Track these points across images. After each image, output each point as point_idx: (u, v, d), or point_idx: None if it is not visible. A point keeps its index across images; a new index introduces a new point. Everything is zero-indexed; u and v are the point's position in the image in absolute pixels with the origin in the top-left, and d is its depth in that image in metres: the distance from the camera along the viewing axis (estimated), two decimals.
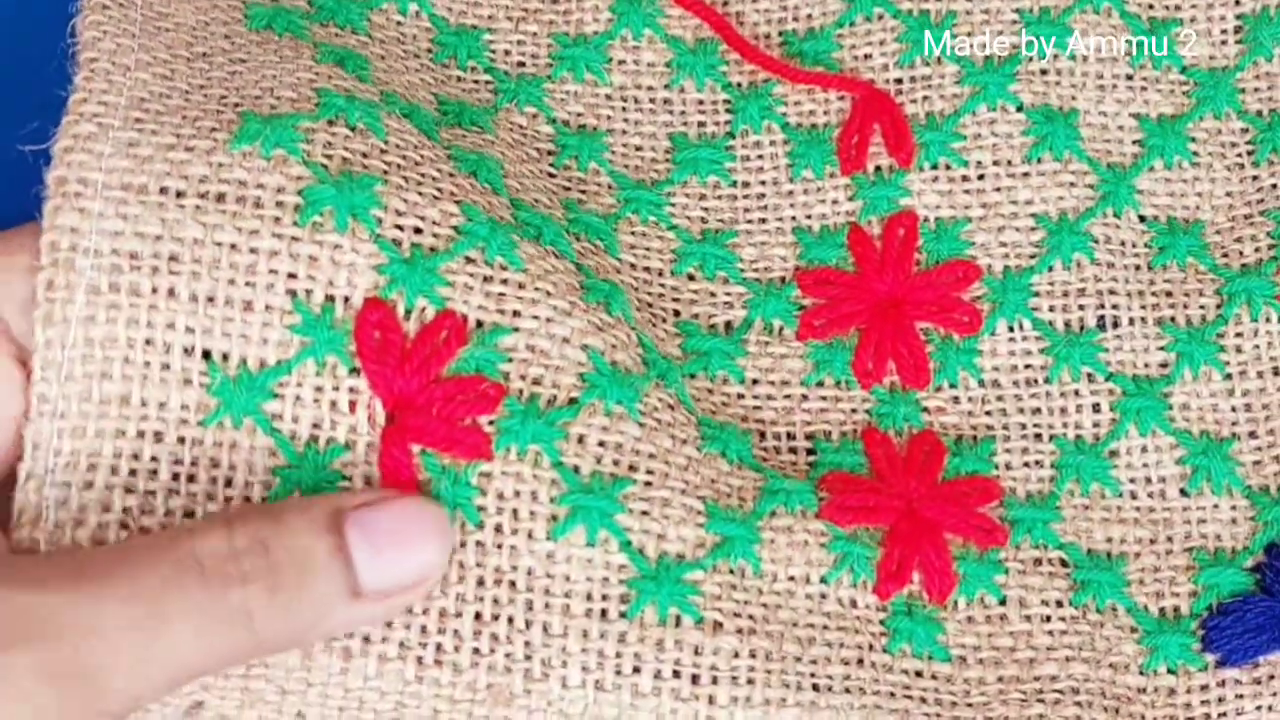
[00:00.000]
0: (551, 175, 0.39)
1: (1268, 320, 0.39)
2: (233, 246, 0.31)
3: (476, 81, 0.40)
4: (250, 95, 0.34)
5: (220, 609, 0.29)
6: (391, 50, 0.39)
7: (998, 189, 0.40)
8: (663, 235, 0.39)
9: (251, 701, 0.31)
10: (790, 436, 0.37)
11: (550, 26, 0.41)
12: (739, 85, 0.41)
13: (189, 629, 0.28)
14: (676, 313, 0.38)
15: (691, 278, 0.39)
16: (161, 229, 0.31)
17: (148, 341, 0.31)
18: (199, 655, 0.29)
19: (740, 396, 0.37)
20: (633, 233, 0.39)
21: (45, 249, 0.31)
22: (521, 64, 0.41)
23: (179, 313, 0.31)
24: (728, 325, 0.38)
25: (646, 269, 0.39)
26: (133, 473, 0.31)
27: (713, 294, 0.39)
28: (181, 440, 0.31)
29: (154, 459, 0.31)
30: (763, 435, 0.37)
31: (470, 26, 0.41)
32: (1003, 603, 0.35)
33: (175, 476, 0.31)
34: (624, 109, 0.41)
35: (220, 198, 0.32)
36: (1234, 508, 0.37)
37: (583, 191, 0.39)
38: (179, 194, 0.31)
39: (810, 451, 0.37)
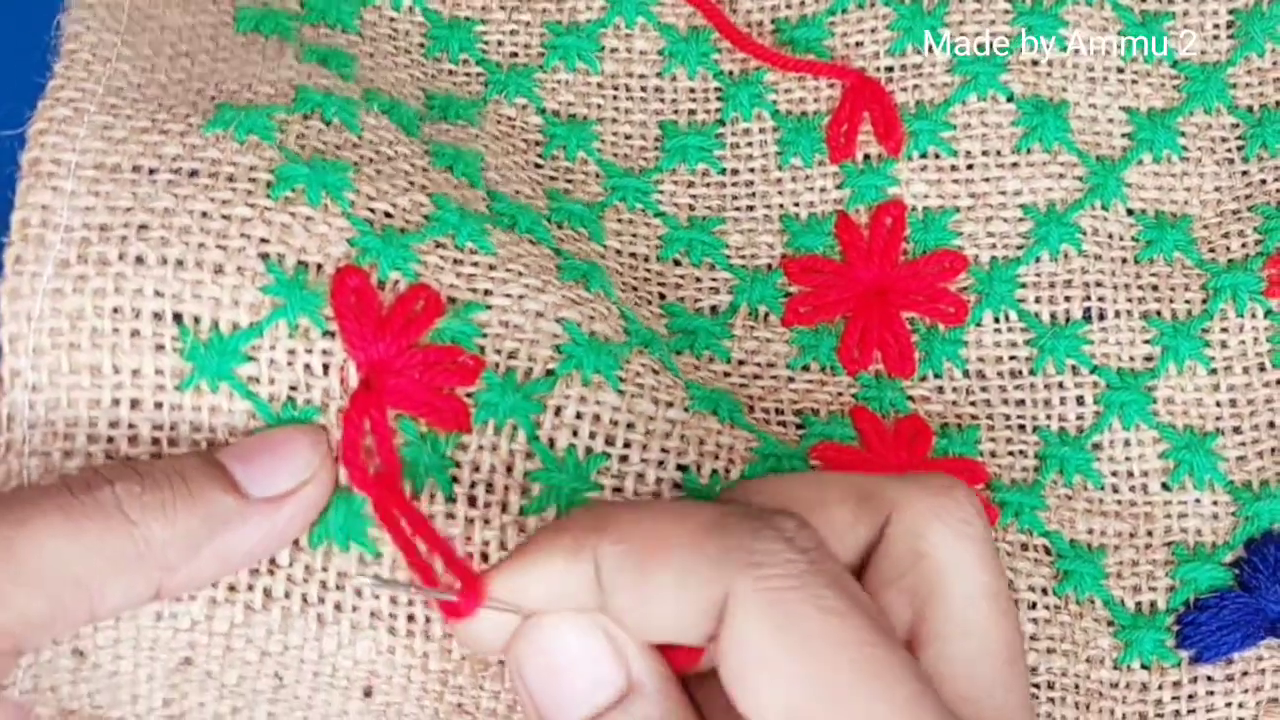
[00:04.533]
0: (538, 166, 0.39)
1: (1253, 316, 0.39)
2: (204, 214, 0.31)
3: (468, 74, 0.40)
4: (228, 89, 0.34)
5: (88, 505, 0.28)
6: (381, 48, 0.39)
7: (986, 179, 0.40)
8: (649, 222, 0.39)
9: (232, 661, 0.32)
10: (779, 412, 0.37)
11: (544, 15, 0.41)
12: (730, 73, 0.41)
13: (54, 531, 0.28)
14: (662, 296, 0.38)
15: (678, 263, 0.39)
16: (133, 202, 0.31)
17: (115, 310, 0.31)
18: (78, 557, 0.28)
19: (726, 375, 0.37)
20: (619, 220, 0.39)
21: (16, 226, 0.31)
22: (514, 54, 0.41)
23: (148, 279, 0.31)
24: (713, 309, 0.38)
25: (632, 255, 0.39)
26: (111, 439, 0.31)
27: (699, 279, 0.39)
28: (159, 405, 0.31)
29: (132, 425, 0.31)
30: (751, 409, 0.37)
31: (464, 18, 0.41)
32: None
33: (156, 441, 0.31)
34: (615, 97, 0.41)
35: (193, 173, 0.32)
36: (1215, 503, 0.37)
37: (569, 181, 0.39)
38: (152, 171, 0.32)
39: (799, 426, 0.37)
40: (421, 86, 0.39)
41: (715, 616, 0.26)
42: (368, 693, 0.32)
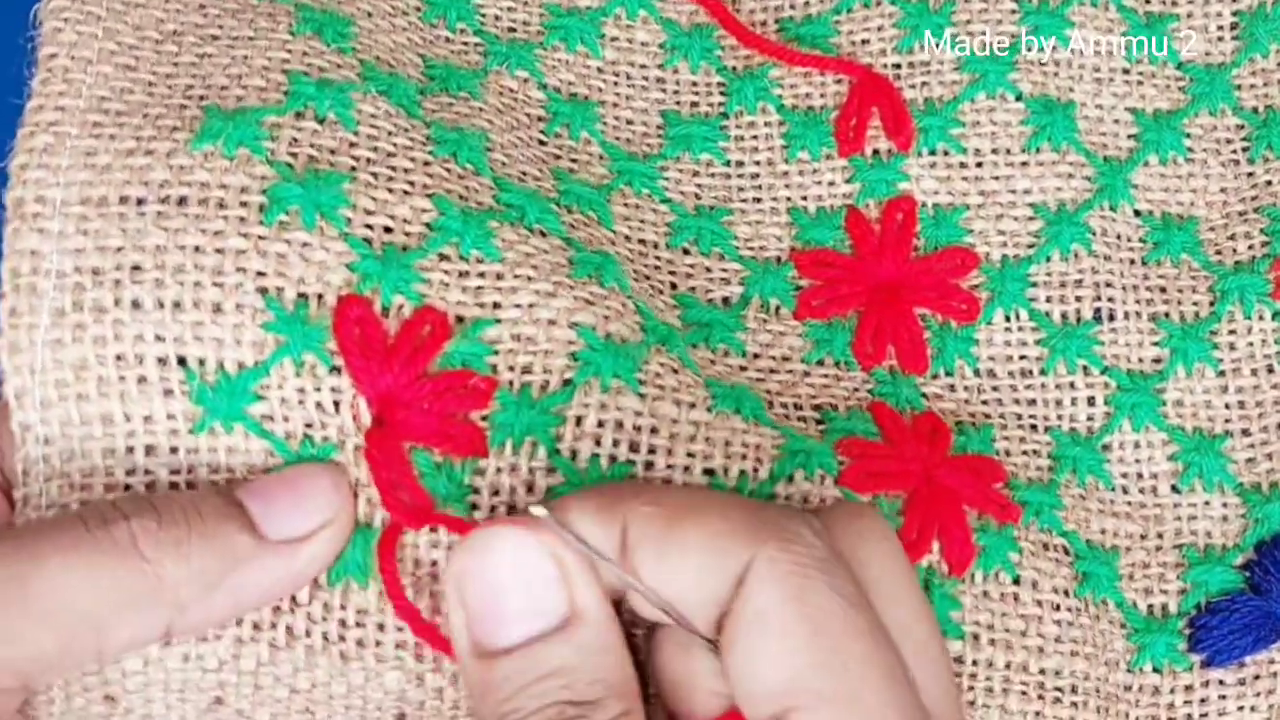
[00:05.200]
0: (542, 143, 0.38)
1: (1260, 318, 0.39)
2: (197, 249, 0.30)
3: (466, 44, 0.39)
4: (217, 85, 0.33)
5: (102, 541, 0.28)
6: (379, 7, 0.38)
7: (996, 177, 0.39)
8: (656, 208, 0.38)
9: (262, 699, 0.31)
10: (798, 407, 0.36)
11: None
12: (734, 68, 0.41)
13: (68, 565, 0.27)
14: (674, 285, 0.37)
15: (687, 252, 0.38)
16: (123, 240, 0.30)
17: (119, 357, 0.30)
18: (90, 593, 0.27)
19: (743, 369, 0.37)
20: (626, 204, 0.38)
21: (7, 276, 0.30)
22: (512, 29, 0.40)
23: (146, 324, 0.30)
24: (725, 300, 0.38)
25: (641, 241, 0.38)
26: (129, 487, 0.31)
27: (709, 269, 0.38)
28: (175, 450, 0.31)
29: (149, 471, 0.30)
30: (770, 404, 0.36)
31: None
32: (1016, 581, 0.34)
33: (175, 485, 0.31)
34: (615, 82, 0.40)
35: (182, 201, 0.31)
36: (1225, 505, 0.37)
37: (574, 161, 0.38)
38: (140, 201, 0.31)
39: (820, 421, 0.36)
40: (420, 53, 0.38)
41: (733, 585, 0.26)
42: (401, 716, 0.31)
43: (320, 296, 0.31)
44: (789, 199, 0.39)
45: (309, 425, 0.31)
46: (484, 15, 0.40)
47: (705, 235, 0.38)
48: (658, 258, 0.38)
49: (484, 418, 0.31)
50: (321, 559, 0.30)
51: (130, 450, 0.30)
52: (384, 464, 0.30)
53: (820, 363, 0.37)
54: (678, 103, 0.40)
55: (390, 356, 0.31)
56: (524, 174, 0.36)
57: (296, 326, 0.30)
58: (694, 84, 0.40)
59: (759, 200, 0.39)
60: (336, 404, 0.31)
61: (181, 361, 0.30)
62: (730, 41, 0.41)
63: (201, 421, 0.30)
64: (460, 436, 0.31)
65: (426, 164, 0.34)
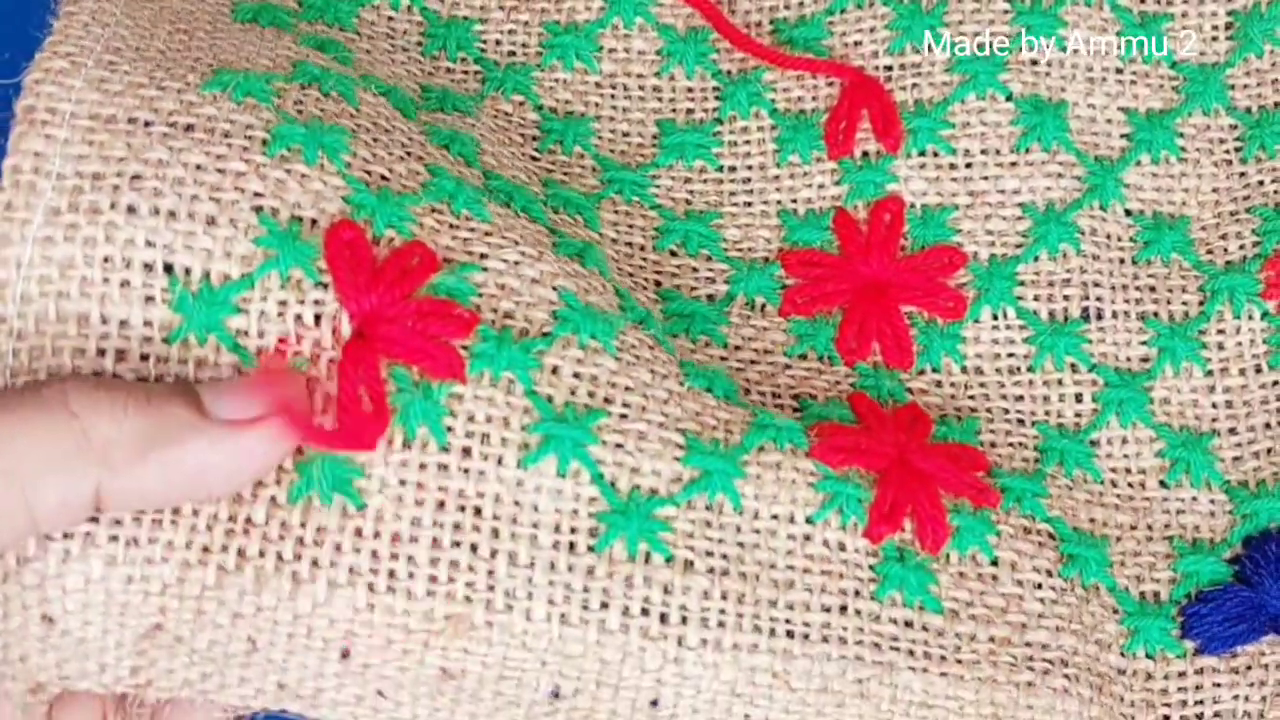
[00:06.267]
0: (534, 159, 0.39)
1: (1250, 318, 0.39)
2: (198, 167, 0.31)
3: (465, 72, 0.40)
4: (226, 59, 0.34)
5: (30, 400, 0.28)
6: (379, 45, 0.39)
7: (985, 177, 0.40)
8: (645, 214, 0.39)
9: (203, 625, 0.31)
10: (776, 396, 0.37)
11: (542, 15, 0.41)
12: (729, 73, 0.41)
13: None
14: (658, 283, 0.38)
15: (674, 254, 0.39)
16: (127, 152, 0.31)
17: (106, 259, 0.31)
18: (10, 448, 0.27)
19: (723, 359, 0.37)
20: (615, 211, 0.39)
21: (7, 173, 0.31)
22: (512, 53, 0.41)
23: (139, 229, 0.31)
24: (710, 298, 0.38)
25: (628, 244, 0.38)
26: None
27: (695, 269, 0.39)
28: (145, 358, 0.31)
29: (116, 376, 0.31)
30: (748, 392, 0.36)
31: (462, 18, 0.41)
32: (994, 563, 0.34)
33: None
34: (612, 96, 0.41)
35: (189, 128, 0.32)
36: (1212, 501, 0.37)
37: (565, 173, 0.39)
38: (147, 123, 0.31)
39: (797, 410, 0.36)
40: (418, 81, 0.39)
41: None
42: (345, 654, 0.31)
43: (314, 221, 0.31)
44: (779, 202, 0.40)
45: (282, 340, 0.31)
46: (484, 41, 0.41)
47: (693, 237, 0.39)
48: (644, 259, 0.38)
49: (464, 347, 0.31)
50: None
51: (101, 353, 0.31)
52: (355, 376, 0.30)
53: (802, 357, 0.38)
54: (673, 111, 0.41)
55: (377, 277, 0.31)
56: (514, 177, 0.37)
57: (288, 242, 0.31)
58: (689, 90, 0.41)
59: (749, 204, 0.40)
60: (318, 317, 0.31)
61: (168, 269, 0.31)
62: (725, 45, 0.41)
63: (177, 330, 0.31)
64: (440, 357, 0.31)
65: (423, 144, 0.35)
